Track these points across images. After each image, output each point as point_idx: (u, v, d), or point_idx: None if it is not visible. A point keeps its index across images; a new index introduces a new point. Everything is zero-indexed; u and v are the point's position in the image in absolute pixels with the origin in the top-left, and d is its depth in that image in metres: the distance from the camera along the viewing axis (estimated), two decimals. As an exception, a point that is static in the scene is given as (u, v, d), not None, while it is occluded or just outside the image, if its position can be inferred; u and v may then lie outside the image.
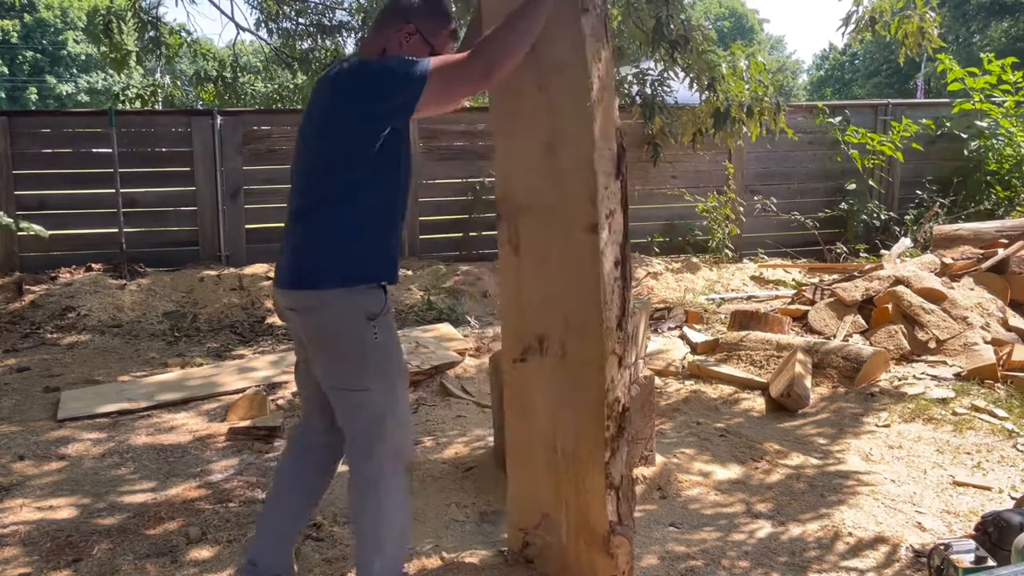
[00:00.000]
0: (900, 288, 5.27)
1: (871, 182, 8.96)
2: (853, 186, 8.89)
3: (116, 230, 7.37)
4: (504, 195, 2.54)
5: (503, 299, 2.63)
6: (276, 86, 13.19)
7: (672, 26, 6.24)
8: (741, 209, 8.36)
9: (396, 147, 2.25)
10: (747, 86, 7.14)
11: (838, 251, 8.38)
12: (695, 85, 6.95)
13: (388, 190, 2.27)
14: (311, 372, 2.37)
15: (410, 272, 7.59)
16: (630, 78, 7.91)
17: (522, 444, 2.64)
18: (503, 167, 2.55)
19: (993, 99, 8.84)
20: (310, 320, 2.26)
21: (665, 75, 7.58)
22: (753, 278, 7.80)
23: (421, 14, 2.31)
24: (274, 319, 6.57)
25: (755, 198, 8.60)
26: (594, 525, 2.51)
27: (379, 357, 2.27)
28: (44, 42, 34.27)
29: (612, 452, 2.48)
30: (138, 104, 10.95)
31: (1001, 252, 5.72)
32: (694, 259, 8.17)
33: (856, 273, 6.05)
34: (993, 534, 2.60)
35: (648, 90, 7.69)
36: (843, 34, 6.77)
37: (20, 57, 33.77)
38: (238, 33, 14.60)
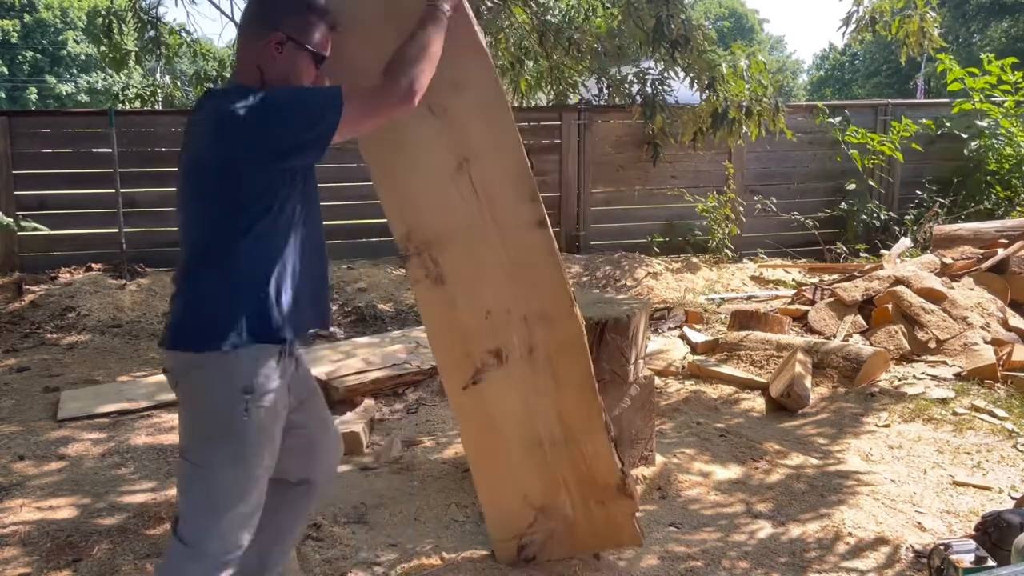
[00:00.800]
0: (900, 288, 5.27)
1: (871, 182, 8.96)
2: (853, 186, 8.89)
3: (116, 230, 7.37)
4: (408, 232, 2.43)
5: (433, 335, 2.54)
6: (276, 86, 13.19)
7: (673, 26, 6.23)
8: (741, 209, 8.36)
9: (299, 185, 2.03)
10: (747, 86, 7.13)
11: (838, 251, 8.38)
12: (695, 85, 6.95)
13: (291, 233, 2.00)
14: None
15: (410, 272, 7.58)
16: (631, 77, 7.91)
17: (494, 459, 2.65)
18: (399, 204, 2.45)
19: (993, 99, 8.84)
20: (175, 382, 1.99)
21: (665, 74, 7.58)
22: (753, 278, 7.80)
23: (288, 16, 1.97)
24: (274, 319, 6.57)
25: (755, 198, 8.59)
26: (605, 482, 2.65)
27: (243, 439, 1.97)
28: (44, 42, 34.27)
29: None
30: (138, 104, 10.94)
31: (1001, 252, 5.72)
32: (694, 259, 8.16)
33: (856, 273, 6.06)
34: (993, 534, 2.60)
35: (648, 89, 7.69)
36: (843, 34, 6.77)
37: (20, 57, 33.77)
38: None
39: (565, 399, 2.58)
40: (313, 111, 1.90)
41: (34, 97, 33.16)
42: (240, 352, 1.91)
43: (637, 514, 2.77)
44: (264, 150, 1.88)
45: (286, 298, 1.98)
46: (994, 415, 4.10)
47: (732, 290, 7.41)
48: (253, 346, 1.92)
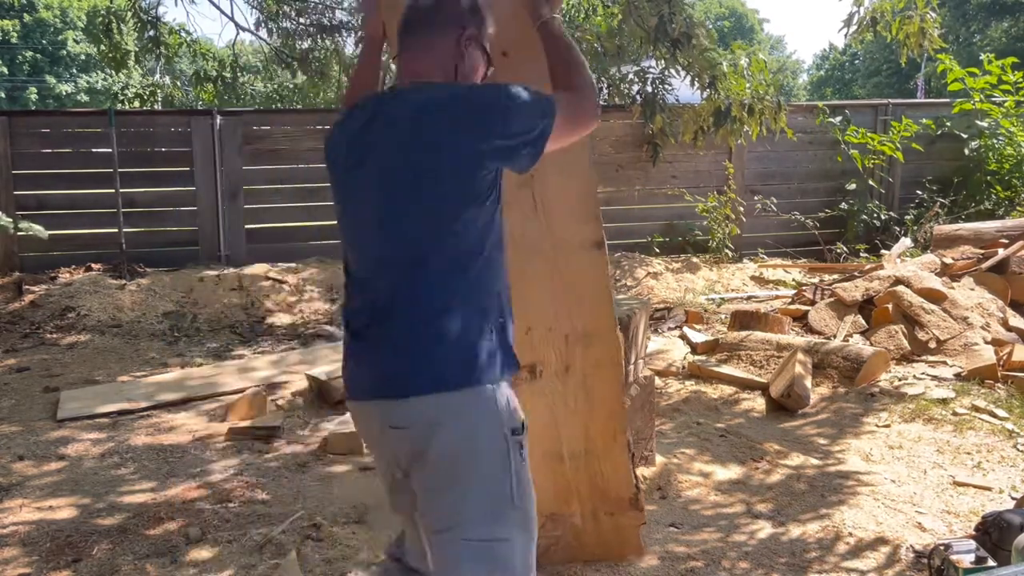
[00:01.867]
0: (900, 288, 5.26)
1: (871, 182, 8.96)
2: (853, 186, 8.89)
3: (116, 230, 7.37)
4: None
5: None
6: (276, 86, 13.19)
7: (674, 23, 6.22)
8: (741, 209, 8.36)
9: (500, 192, 1.73)
10: (748, 85, 7.13)
11: (838, 251, 8.38)
12: (696, 83, 6.95)
13: (499, 247, 1.74)
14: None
15: (410, 272, 7.59)
16: (631, 76, 7.91)
17: None
18: None
19: (993, 99, 8.84)
20: (433, 437, 1.62)
21: (666, 73, 7.57)
22: (753, 278, 7.80)
23: (472, 16, 1.80)
24: (275, 319, 6.57)
25: (755, 198, 8.59)
26: (618, 495, 2.70)
27: (522, 492, 1.67)
28: (44, 42, 34.25)
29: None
30: (138, 104, 10.95)
31: (1001, 252, 5.72)
32: (694, 259, 8.16)
33: (856, 273, 6.05)
34: (993, 534, 2.60)
35: (649, 88, 7.69)
36: (845, 34, 6.76)
37: (20, 57, 33.75)
38: (238, 33, 14.55)
39: (594, 417, 2.60)
40: (538, 109, 1.70)
41: (34, 97, 33.14)
42: (500, 387, 1.65)
43: (642, 525, 2.80)
44: (479, 146, 1.64)
45: (511, 319, 1.77)
46: (994, 415, 4.10)
47: (732, 290, 7.41)
48: (506, 378, 1.68)
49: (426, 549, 1.70)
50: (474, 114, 1.65)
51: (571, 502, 2.68)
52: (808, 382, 4.50)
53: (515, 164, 1.71)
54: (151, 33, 9.13)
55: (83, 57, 34.42)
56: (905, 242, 7.71)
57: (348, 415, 4.23)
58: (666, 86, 7.72)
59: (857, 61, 36.36)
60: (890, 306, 5.19)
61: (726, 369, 4.89)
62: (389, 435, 1.67)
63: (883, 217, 8.77)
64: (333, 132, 1.83)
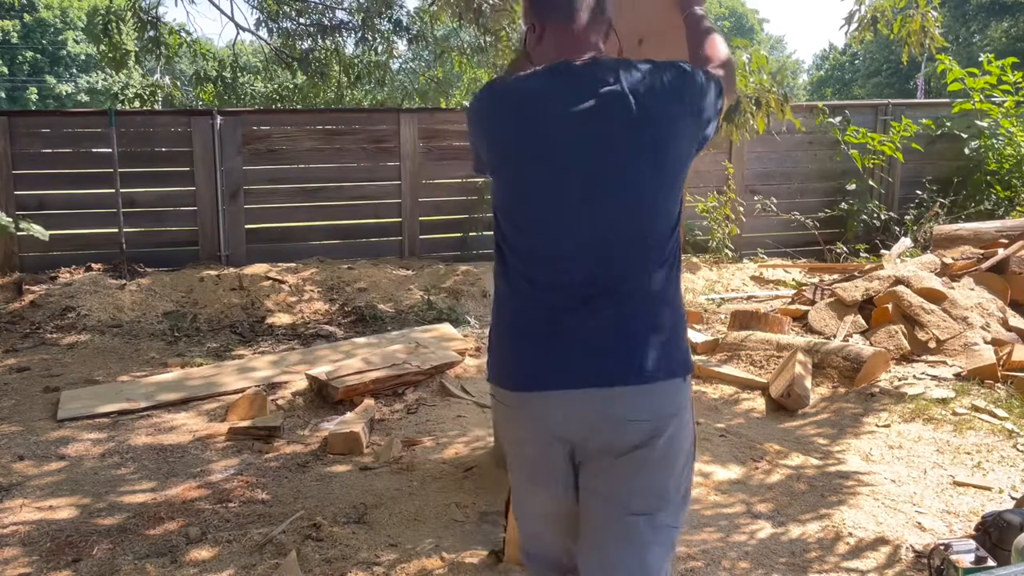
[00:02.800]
0: (900, 288, 5.27)
1: (871, 182, 8.96)
2: (853, 186, 8.89)
3: (116, 230, 7.37)
4: None
5: None
6: (276, 86, 13.18)
7: None
8: (741, 209, 8.36)
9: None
10: (751, 79, 7.11)
11: (838, 251, 8.38)
12: None
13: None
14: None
15: (410, 272, 7.59)
16: None
17: None
18: None
19: (993, 99, 8.84)
20: (667, 426, 1.62)
21: None
22: (753, 278, 7.80)
23: (608, 7, 1.76)
24: (275, 319, 6.57)
25: (755, 198, 8.59)
26: None
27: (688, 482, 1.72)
28: (44, 42, 34.26)
29: None
30: (138, 104, 10.94)
31: (1001, 252, 5.72)
32: (694, 259, 8.16)
33: (856, 273, 6.05)
34: (993, 534, 2.60)
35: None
36: (846, 33, 6.74)
37: (20, 57, 33.76)
38: (238, 33, 14.57)
39: None
40: (718, 88, 1.71)
41: (34, 97, 33.15)
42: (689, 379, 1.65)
43: None
44: (693, 128, 1.64)
45: None
46: (994, 415, 4.10)
47: (732, 290, 7.41)
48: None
49: (592, 533, 1.68)
50: (691, 92, 1.64)
51: None
52: (808, 382, 4.50)
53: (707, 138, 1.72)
54: (151, 33, 9.13)
55: (83, 57, 34.43)
56: (905, 242, 7.71)
57: (348, 415, 4.23)
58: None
59: (857, 61, 36.35)
60: (890, 306, 5.19)
61: (726, 369, 4.89)
62: (611, 425, 1.60)
63: (883, 217, 8.77)
64: (515, 88, 1.66)
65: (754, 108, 6.97)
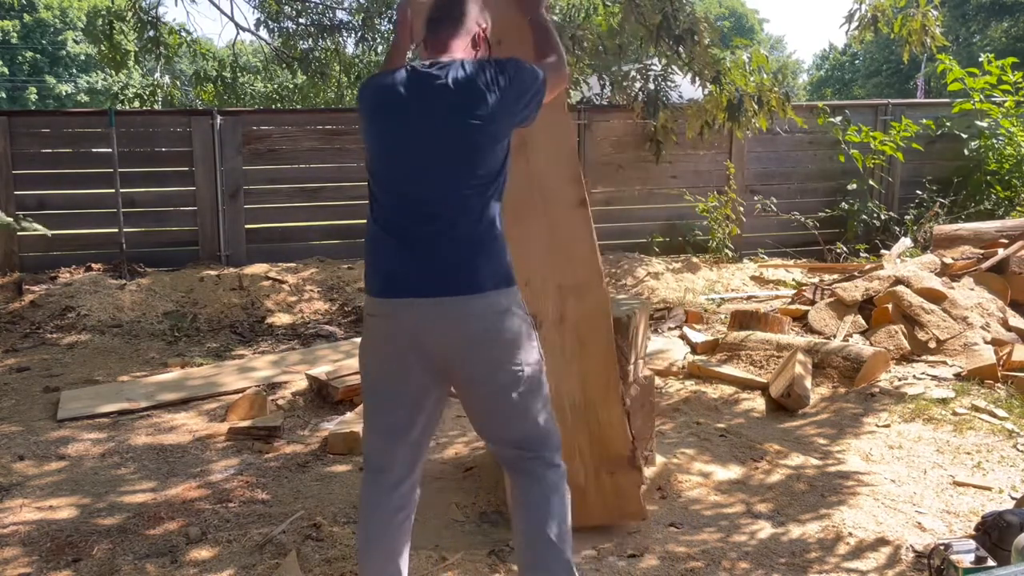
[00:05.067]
0: (900, 288, 5.26)
1: (871, 182, 8.96)
2: (853, 186, 8.88)
3: (116, 230, 7.37)
4: None
5: None
6: (276, 86, 13.19)
7: (679, 19, 6.21)
8: (741, 209, 8.35)
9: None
10: (751, 78, 7.12)
11: (838, 251, 8.38)
12: (699, 79, 6.93)
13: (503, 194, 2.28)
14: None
15: (410, 272, 7.58)
16: (633, 73, 7.90)
17: None
18: None
19: (993, 99, 8.83)
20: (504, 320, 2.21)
21: (669, 70, 7.56)
22: (753, 278, 7.80)
23: (480, 14, 2.34)
24: (275, 319, 6.58)
25: (755, 198, 8.59)
26: (617, 452, 2.92)
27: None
28: (44, 42, 34.26)
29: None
30: (138, 104, 10.95)
31: (1001, 252, 5.72)
32: (694, 259, 8.16)
33: (856, 273, 6.05)
34: (993, 534, 2.60)
35: (651, 86, 7.69)
36: (847, 32, 6.75)
37: (20, 57, 33.75)
38: (238, 33, 14.59)
39: (588, 366, 2.86)
40: (539, 80, 2.27)
41: (34, 97, 33.15)
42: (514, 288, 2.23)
43: (642, 488, 2.89)
44: (511, 110, 2.21)
45: None
46: (994, 415, 4.10)
47: (732, 290, 7.41)
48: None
49: (477, 414, 2.31)
50: (508, 83, 2.19)
51: (574, 456, 2.84)
52: (808, 382, 4.50)
53: (524, 122, 2.28)
54: (151, 33, 9.14)
55: (83, 57, 34.43)
56: (905, 242, 7.70)
57: (348, 415, 4.23)
58: (669, 83, 7.70)
59: (857, 61, 36.35)
60: (890, 306, 5.19)
61: (726, 369, 4.89)
62: (457, 324, 2.13)
63: (883, 217, 8.77)
64: (379, 84, 2.26)
65: (756, 107, 6.97)
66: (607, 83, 8.49)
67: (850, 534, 3.00)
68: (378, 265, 2.23)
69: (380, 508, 2.25)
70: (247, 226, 7.85)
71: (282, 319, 6.61)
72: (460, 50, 2.27)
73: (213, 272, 7.27)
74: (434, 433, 2.35)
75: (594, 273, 2.85)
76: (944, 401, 4.29)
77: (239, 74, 12.03)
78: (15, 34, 33.39)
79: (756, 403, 4.52)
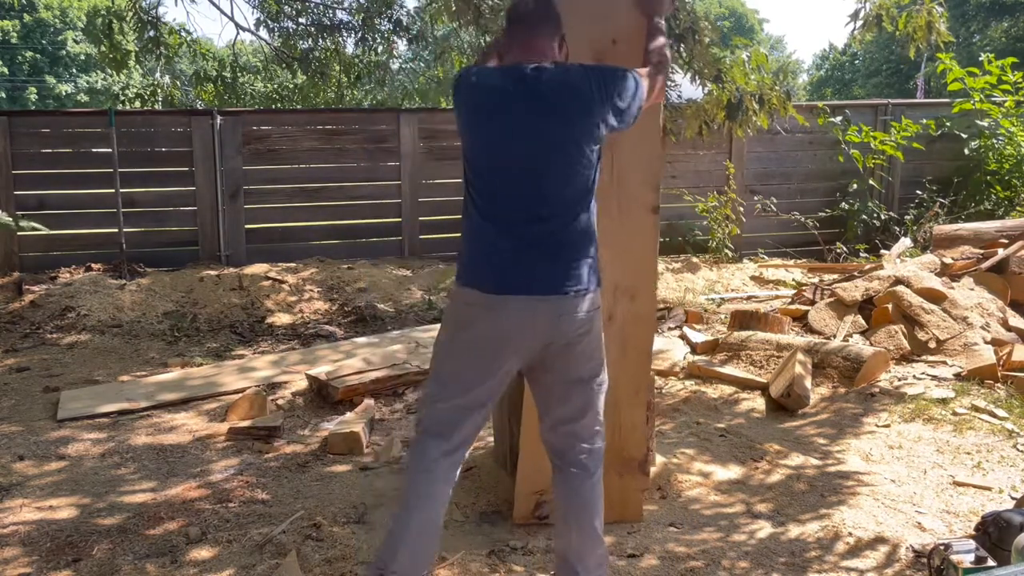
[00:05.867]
0: (900, 288, 5.26)
1: (871, 182, 8.95)
2: (854, 186, 8.88)
3: (116, 230, 7.36)
4: None
5: None
6: (276, 86, 13.20)
7: (679, 19, 6.20)
8: (741, 209, 8.35)
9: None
10: (752, 77, 7.10)
11: (838, 251, 8.37)
12: (699, 79, 6.92)
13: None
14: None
15: (410, 272, 7.59)
16: None
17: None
18: None
19: (993, 99, 8.83)
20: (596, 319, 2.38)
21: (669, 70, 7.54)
22: (753, 278, 7.80)
23: (561, 25, 2.42)
24: (275, 319, 6.58)
25: (755, 198, 8.59)
26: (631, 455, 3.00)
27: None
28: (44, 42, 34.24)
29: (648, 390, 3.06)
30: (138, 104, 10.95)
31: (1001, 252, 5.72)
32: (694, 259, 8.16)
33: (856, 273, 6.05)
34: (993, 534, 2.60)
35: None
36: (852, 29, 6.73)
37: (20, 57, 33.73)
38: (238, 33, 14.59)
39: (625, 368, 2.90)
40: (638, 85, 2.37)
41: (34, 97, 33.13)
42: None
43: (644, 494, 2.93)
44: (608, 113, 2.31)
45: None
46: (994, 415, 4.10)
47: (732, 290, 7.41)
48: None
49: (551, 400, 2.43)
50: (610, 84, 2.29)
51: None
52: (808, 382, 4.50)
53: (621, 126, 2.37)
54: (151, 33, 9.13)
55: (83, 57, 34.41)
56: (905, 242, 7.70)
57: (348, 415, 4.24)
58: (668, 82, 7.68)
59: (857, 61, 36.33)
60: (890, 306, 5.19)
61: (726, 369, 4.89)
62: (562, 320, 2.27)
63: (883, 217, 8.77)
64: (482, 80, 2.34)
65: (757, 106, 6.96)
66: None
67: (850, 534, 3.00)
68: (484, 259, 2.29)
69: (432, 473, 2.34)
70: (247, 226, 7.85)
71: (282, 319, 6.61)
72: (550, 54, 2.34)
73: (213, 272, 7.27)
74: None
75: (650, 278, 2.93)
76: (944, 401, 4.29)
77: (239, 74, 12.04)
78: (15, 34, 33.38)
79: (756, 403, 4.52)
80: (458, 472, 2.43)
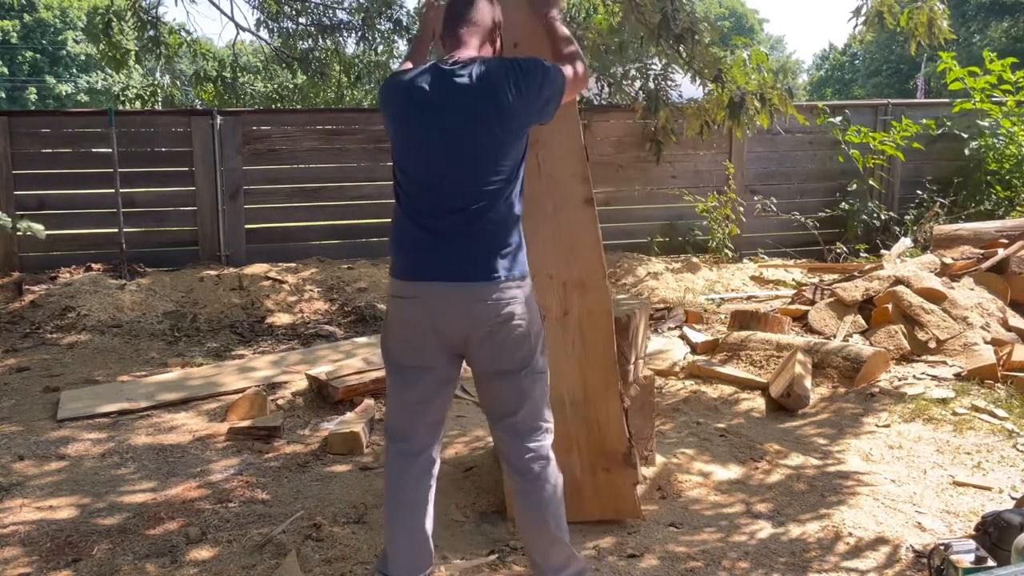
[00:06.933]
0: (900, 288, 5.26)
1: (871, 182, 8.95)
2: (854, 186, 8.87)
3: (116, 230, 7.36)
4: None
5: None
6: (276, 86, 13.19)
7: (679, 19, 6.21)
8: (741, 209, 8.35)
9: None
10: (753, 76, 7.10)
11: (838, 251, 8.37)
12: (699, 79, 6.93)
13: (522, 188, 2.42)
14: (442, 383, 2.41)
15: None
16: (633, 72, 7.89)
17: None
18: None
19: (994, 99, 8.82)
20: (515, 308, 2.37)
21: (669, 69, 7.56)
22: (753, 278, 7.80)
23: (496, 13, 2.48)
24: (275, 319, 6.58)
25: (755, 198, 8.59)
26: (613, 449, 2.97)
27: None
28: (44, 42, 34.25)
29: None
30: (138, 104, 10.94)
31: (1001, 252, 5.72)
32: (694, 259, 8.16)
33: (856, 273, 6.05)
34: (993, 534, 2.60)
35: (651, 85, 7.68)
36: (853, 26, 6.72)
37: (20, 57, 33.75)
38: (238, 33, 14.57)
39: (588, 362, 2.92)
40: (560, 78, 2.40)
41: (34, 97, 33.14)
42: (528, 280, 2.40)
43: (639, 488, 2.93)
44: (533, 106, 2.34)
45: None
46: (994, 415, 4.10)
47: (732, 290, 7.41)
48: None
49: (485, 395, 2.44)
50: (529, 80, 2.31)
51: (571, 451, 2.90)
52: (808, 382, 4.50)
53: (543, 118, 2.40)
54: (151, 33, 9.13)
55: (83, 57, 34.42)
56: (905, 242, 7.70)
57: (348, 415, 4.24)
58: (669, 82, 7.70)
59: (857, 61, 36.35)
60: (890, 306, 5.19)
61: (726, 369, 4.89)
62: (474, 308, 2.27)
63: (883, 217, 8.77)
64: (403, 81, 2.37)
65: (758, 105, 6.95)
66: (604, 85, 8.48)
67: (850, 534, 3.00)
68: (404, 250, 2.35)
69: (405, 474, 2.42)
70: (247, 226, 7.84)
71: (282, 319, 6.61)
72: (477, 48, 2.39)
73: (213, 272, 7.27)
74: (450, 405, 2.51)
75: (598, 271, 2.90)
76: (944, 401, 4.29)
77: (239, 74, 12.02)
78: (15, 34, 33.38)
79: (756, 403, 4.52)
80: (435, 472, 2.46)
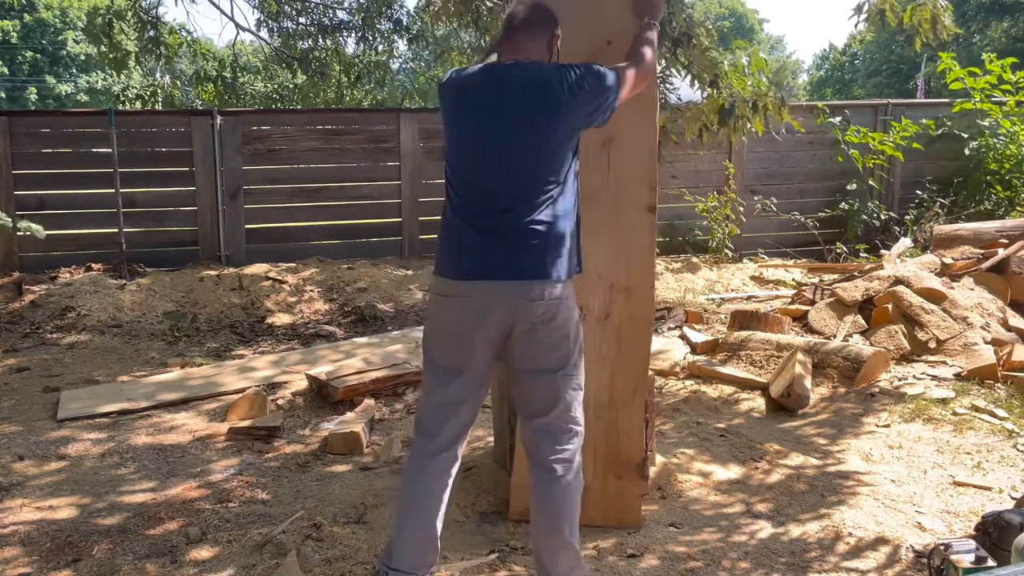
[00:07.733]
0: (900, 288, 5.26)
1: (871, 182, 8.95)
2: (853, 186, 8.88)
3: (116, 230, 7.36)
4: None
5: None
6: (276, 86, 13.20)
7: (675, 23, 6.21)
8: (741, 209, 8.35)
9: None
10: (749, 82, 7.11)
11: (838, 251, 8.37)
12: (696, 83, 6.93)
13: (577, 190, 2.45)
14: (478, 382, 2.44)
15: (410, 272, 7.59)
16: None
17: None
18: None
19: (994, 99, 8.82)
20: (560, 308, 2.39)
21: (667, 72, 7.56)
22: (753, 278, 7.80)
23: (557, 25, 2.52)
24: (275, 319, 6.58)
25: (755, 198, 8.59)
26: (628, 458, 2.97)
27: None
28: (44, 42, 34.23)
29: (648, 391, 3.03)
30: (138, 104, 10.95)
31: (1001, 252, 5.72)
32: (694, 259, 8.16)
33: (856, 273, 6.05)
34: (993, 534, 2.60)
35: (651, 87, 7.66)
36: (855, 24, 6.71)
37: (20, 57, 33.72)
38: (238, 33, 14.59)
39: (621, 367, 2.90)
40: (614, 83, 2.43)
41: (34, 97, 33.12)
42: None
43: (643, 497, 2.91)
44: (585, 110, 2.38)
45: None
46: (994, 415, 4.10)
47: (732, 290, 7.41)
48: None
49: (520, 391, 2.47)
50: (581, 84, 2.33)
51: (587, 453, 2.84)
52: (808, 382, 4.50)
53: (596, 122, 2.43)
54: (151, 33, 9.14)
55: (83, 57, 34.40)
56: (905, 242, 7.70)
57: (348, 415, 4.24)
58: (667, 85, 7.69)
59: (857, 61, 36.33)
60: (890, 306, 5.19)
61: (726, 369, 4.89)
62: (521, 305, 2.30)
63: (883, 217, 8.77)
64: (460, 80, 2.42)
65: (751, 111, 6.96)
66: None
67: (850, 534, 3.00)
68: (453, 249, 2.38)
69: (426, 470, 2.45)
70: (247, 226, 7.85)
71: (282, 319, 6.61)
72: (533, 54, 2.42)
73: (213, 272, 7.27)
74: (481, 406, 2.54)
75: (647, 278, 2.90)
76: (944, 401, 4.29)
77: (239, 74, 12.04)
78: (15, 34, 33.36)
79: (756, 403, 4.52)
80: (454, 471, 2.49)
